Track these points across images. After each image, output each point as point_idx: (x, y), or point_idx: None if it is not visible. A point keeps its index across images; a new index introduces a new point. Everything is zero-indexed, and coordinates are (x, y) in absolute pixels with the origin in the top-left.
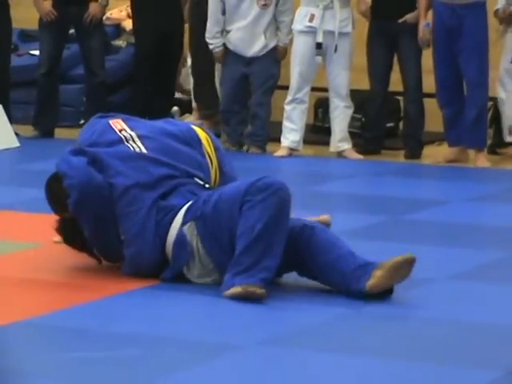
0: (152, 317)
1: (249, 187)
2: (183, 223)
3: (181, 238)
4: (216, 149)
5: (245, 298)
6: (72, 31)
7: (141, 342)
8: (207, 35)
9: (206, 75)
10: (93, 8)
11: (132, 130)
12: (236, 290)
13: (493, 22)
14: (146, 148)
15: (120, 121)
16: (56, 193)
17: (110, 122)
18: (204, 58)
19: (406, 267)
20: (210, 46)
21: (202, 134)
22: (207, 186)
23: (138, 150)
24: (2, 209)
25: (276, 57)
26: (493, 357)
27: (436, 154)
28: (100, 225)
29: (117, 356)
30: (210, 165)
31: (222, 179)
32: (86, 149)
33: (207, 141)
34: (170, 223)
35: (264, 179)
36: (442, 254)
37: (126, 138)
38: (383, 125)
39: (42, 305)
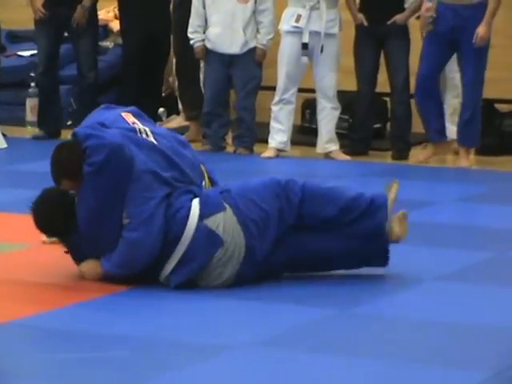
0: (141, 318)
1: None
2: (203, 217)
3: (207, 231)
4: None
5: None
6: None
7: (130, 343)
8: (189, 29)
9: (191, 76)
10: (77, 12)
11: (144, 125)
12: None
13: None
14: (159, 144)
15: (130, 114)
16: (66, 154)
17: (122, 113)
18: (188, 58)
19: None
20: (191, 41)
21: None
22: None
23: (154, 141)
24: None
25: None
26: (481, 357)
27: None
28: (109, 200)
29: (106, 357)
30: (204, 172)
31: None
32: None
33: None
34: (185, 219)
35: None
36: (429, 255)
37: (139, 129)
38: (371, 126)
39: (30, 306)
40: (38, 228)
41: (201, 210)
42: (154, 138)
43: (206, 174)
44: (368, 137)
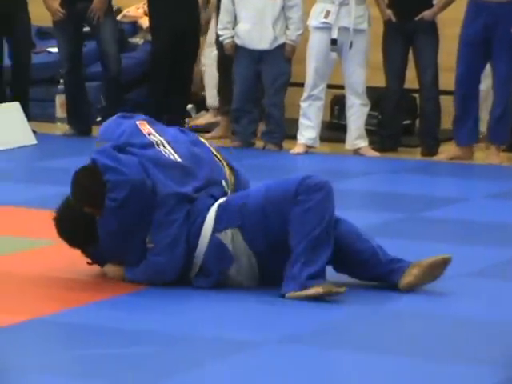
0: (167, 314)
1: (299, 186)
2: (216, 230)
3: (218, 245)
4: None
5: (323, 297)
6: (87, 28)
7: (154, 340)
8: (219, 26)
9: (230, 71)
10: (95, 2)
11: (160, 135)
12: (317, 289)
13: None
14: (178, 155)
15: (146, 124)
16: (88, 184)
17: (137, 123)
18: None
19: (441, 267)
20: (221, 38)
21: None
22: (226, 188)
23: (172, 157)
24: (18, 206)
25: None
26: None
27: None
28: (132, 227)
29: (132, 353)
30: (222, 165)
31: (236, 177)
32: (128, 148)
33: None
34: (200, 229)
35: (312, 179)
36: (459, 252)
37: (156, 142)
38: (400, 122)
39: (55, 302)
40: (60, 238)
41: (215, 222)
42: (173, 149)
43: (224, 163)
44: (397, 133)
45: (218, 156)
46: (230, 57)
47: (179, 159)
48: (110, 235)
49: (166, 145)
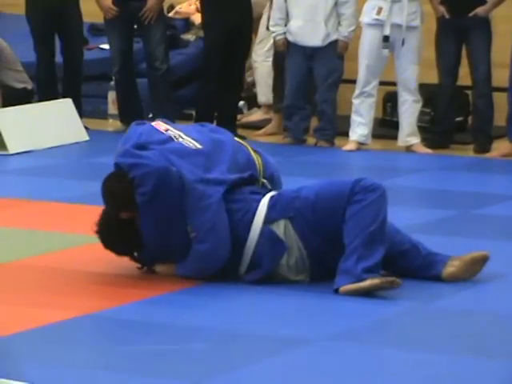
0: (220, 311)
1: (354, 187)
2: (268, 221)
3: (271, 235)
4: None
5: (378, 289)
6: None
7: (207, 336)
8: (270, 22)
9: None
10: (150, 2)
11: (177, 130)
12: (373, 281)
13: None
14: (198, 143)
15: (161, 123)
16: (117, 188)
17: (153, 124)
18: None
19: (480, 263)
20: (273, 35)
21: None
22: (265, 183)
23: (192, 146)
24: (71, 202)
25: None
26: None
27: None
28: (169, 218)
29: (183, 349)
30: (254, 157)
31: (263, 159)
32: (148, 146)
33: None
34: (251, 222)
35: (366, 180)
36: (510, 249)
37: (174, 136)
38: (452, 119)
39: (109, 298)
40: (106, 249)
41: (267, 213)
42: (191, 138)
43: (248, 146)
44: (450, 130)
45: (241, 142)
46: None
47: (200, 146)
48: (151, 233)
49: (184, 136)
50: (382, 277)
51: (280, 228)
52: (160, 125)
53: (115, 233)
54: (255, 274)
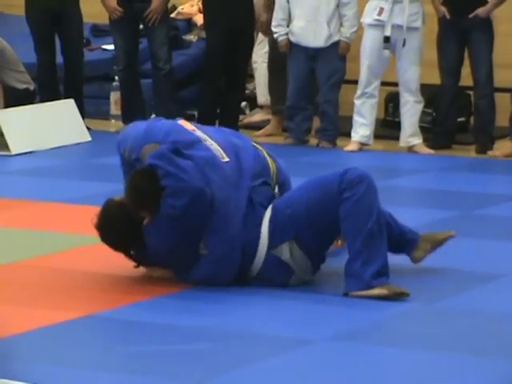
0: (221, 312)
1: (340, 185)
2: (271, 247)
3: (276, 262)
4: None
5: (388, 298)
6: (141, 26)
7: (211, 336)
8: (273, 23)
9: (282, 70)
10: (154, 4)
11: (202, 132)
12: (381, 291)
13: None
14: (225, 153)
15: (185, 121)
16: (146, 187)
17: (179, 122)
18: (280, 52)
19: (445, 242)
20: (275, 35)
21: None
22: (274, 188)
23: (220, 156)
24: (73, 202)
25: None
26: None
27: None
28: (187, 234)
29: (188, 350)
30: (269, 162)
31: (277, 166)
32: (183, 151)
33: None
34: (254, 247)
35: (350, 172)
36: None
37: (202, 138)
38: (454, 119)
39: (111, 299)
40: (103, 243)
41: (269, 239)
42: (218, 145)
43: (264, 151)
44: (451, 130)
45: (258, 146)
46: (280, 55)
47: (227, 158)
48: (162, 241)
49: (211, 141)
50: (391, 286)
51: (284, 252)
52: (185, 123)
53: (115, 225)
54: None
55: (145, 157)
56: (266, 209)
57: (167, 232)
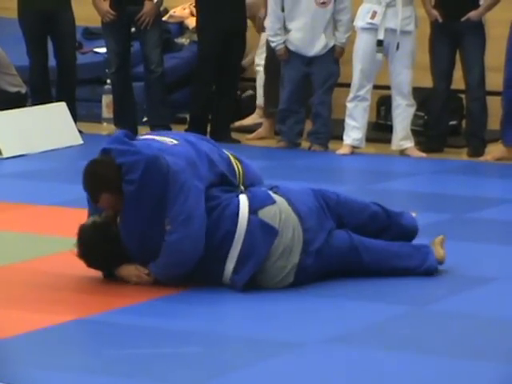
0: (212, 315)
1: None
2: (254, 211)
3: (260, 222)
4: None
5: None
6: (133, 29)
7: (202, 340)
8: (269, 33)
9: (278, 73)
10: (146, 7)
11: (150, 135)
12: None
13: None
14: (174, 139)
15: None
16: (103, 170)
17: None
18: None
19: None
20: (272, 44)
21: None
22: (239, 187)
23: (169, 142)
24: (65, 206)
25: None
26: None
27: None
28: (151, 215)
29: (179, 353)
30: (233, 162)
31: (248, 178)
32: (135, 136)
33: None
34: (236, 214)
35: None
36: (506, 253)
37: (145, 138)
38: (446, 123)
39: (102, 302)
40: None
41: (250, 204)
42: (168, 137)
43: (229, 153)
44: (443, 134)
45: (224, 150)
46: (277, 59)
47: (175, 141)
48: (132, 229)
49: (156, 137)
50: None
51: (270, 213)
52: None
53: (99, 248)
54: (248, 270)
55: None
56: (233, 192)
57: (136, 213)
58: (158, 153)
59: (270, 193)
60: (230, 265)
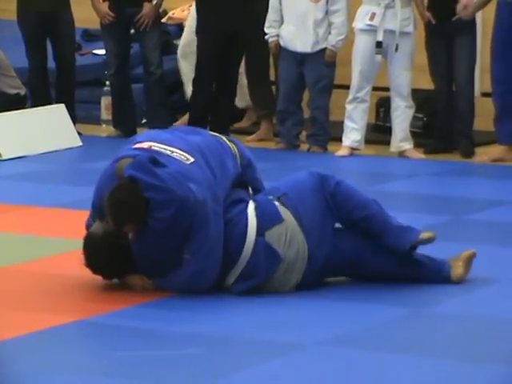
0: (215, 316)
1: (327, 201)
2: (261, 232)
3: (266, 247)
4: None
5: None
6: (132, 31)
7: (202, 342)
8: (266, 24)
9: (261, 75)
10: (145, 9)
11: (159, 143)
12: (429, 235)
13: None
14: (189, 155)
15: (139, 143)
16: (129, 199)
17: (134, 146)
18: (259, 57)
19: (472, 261)
20: (266, 36)
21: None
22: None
23: (185, 159)
24: (64, 207)
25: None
26: None
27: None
28: (176, 242)
29: (180, 355)
30: (231, 147)
31: (245, 158)
32: (158, 159)
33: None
34: (243, 234)
35: (328, 183)
36: (504, 255)
37: (160, 151)
38: (451, 123)
39: (104, 303)
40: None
41: (258, 223)
42: (178, 148)
43: (224, 138)
44: (450, 134)
45: (215, 134)
46: (259, 63)
47: (192, 159)
48: (151, 253)
49: (170, 148)
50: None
51: (276, 235)
52: (141, 144)
53: (109, 258)
54: (247, 284)
55: (122, 169)
56: (242, 203)
57: (156, 244)
58: (188, 192)
59: (278, 206)
60: (231, 279)
